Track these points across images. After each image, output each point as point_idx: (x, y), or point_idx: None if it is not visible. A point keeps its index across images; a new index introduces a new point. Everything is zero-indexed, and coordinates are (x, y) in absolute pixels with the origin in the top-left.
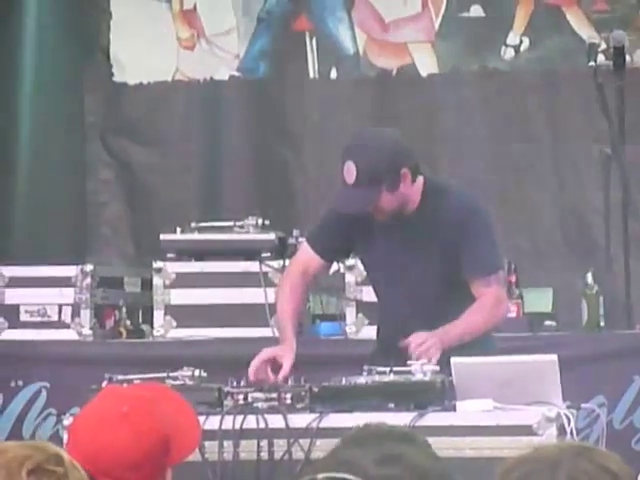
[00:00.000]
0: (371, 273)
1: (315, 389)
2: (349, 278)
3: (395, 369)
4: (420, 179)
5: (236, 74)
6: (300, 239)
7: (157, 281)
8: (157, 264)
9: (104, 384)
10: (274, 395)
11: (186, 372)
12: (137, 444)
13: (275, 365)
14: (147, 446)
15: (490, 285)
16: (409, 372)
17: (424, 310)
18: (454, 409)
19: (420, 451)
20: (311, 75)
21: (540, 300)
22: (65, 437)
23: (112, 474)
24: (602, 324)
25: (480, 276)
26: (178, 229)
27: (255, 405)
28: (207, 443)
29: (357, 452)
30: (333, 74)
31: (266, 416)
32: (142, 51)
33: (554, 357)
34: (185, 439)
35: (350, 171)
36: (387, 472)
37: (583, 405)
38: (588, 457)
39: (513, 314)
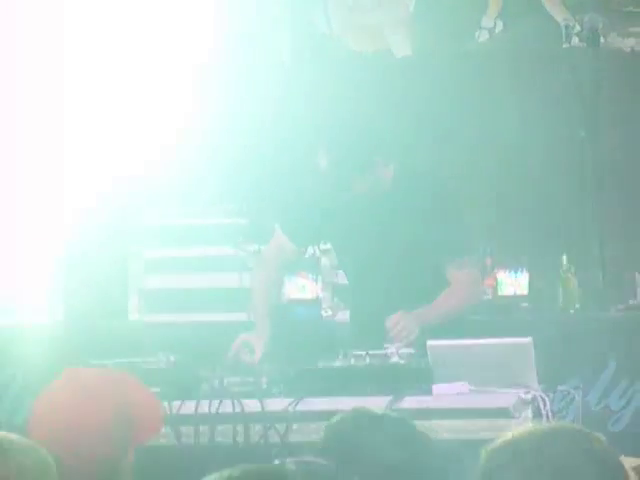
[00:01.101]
0: (342, 258)
1: (291, 373)
2: (324, 262)
3: (371, 353)
4: (390, 167)
5: (210, 58)
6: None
7: (132, 265)
8: (132, 248)
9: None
10: (250, 379)
11: (161, 357)
12: (101, 426)
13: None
14: (111, 427)
15: (463, 267)
16: (385, 356)
17: (398, 295)
18: (430, 392)
19: None
20: (286, 58)
21: (516, 283)
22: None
23: (77, 455)
24: (577, 306)
25: (453, 259)
26: (155, 214)
27: (231, 389)
28: (183, 428)
29: None
30: (308, 57)
31: (242, 400)
32: None
33: (529, 339)
34: (148, 420)
35: (322, 158)
36: None
37: (559, 387)
38: (574, 440)
39: (489, 296)
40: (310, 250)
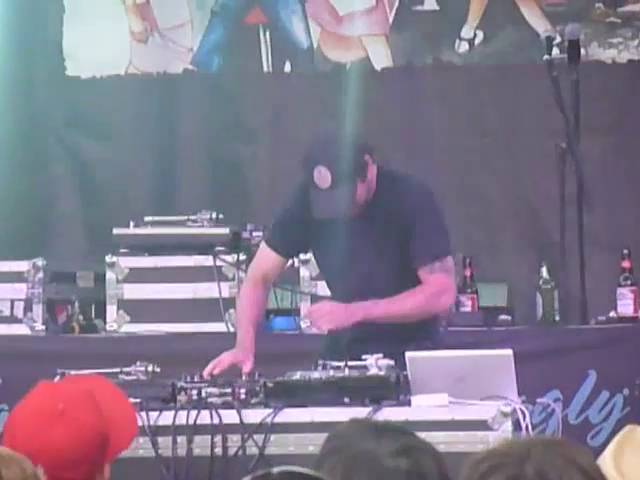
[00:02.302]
0: (323, 265)
1: (269, 384)
2: (304, 272)
3: (350, 364)
4: (374, 168)
5: (190, 67)
6: (255, 233)
7: (110, 276)
8: (110, 259)
9: (56, 379)
10: (228, 390)
11: (139, 367)
12: (74, 442)
13: (235, 370)
14: (85, 444)
15: (434, 272)
16: (364, 367)
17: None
18: (409, 404)
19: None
20: (265, 69)
21: (495, 294)
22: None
23: (50, 473)
24: (557, 318)
25: (424, 263)
26: (131, 223)
27: (209, 400)
28: (160, 439)
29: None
30: (287, 68)
31: (220, 411)
32: (95, 44)
33: (509, 351)
34: (123, 432)
35: (323, 176)
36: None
37: (538, 400)
38: (558, 451)
39: (468, 308)
40: (289, 261)
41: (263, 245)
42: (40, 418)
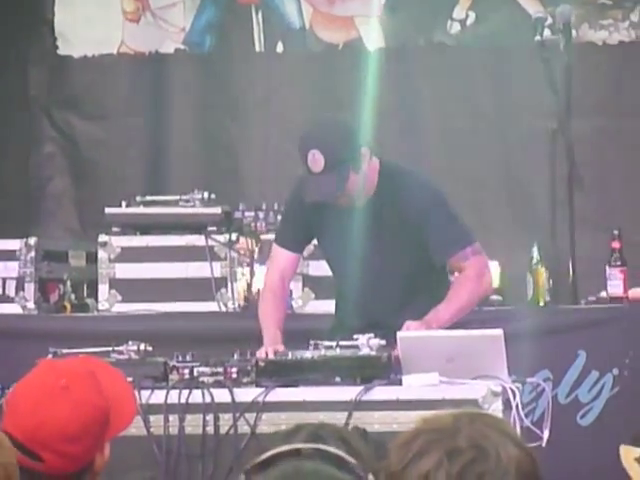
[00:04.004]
0: (331, 258)
1: (261, 363)
2: None
3: (342, 343)
4: (375, 161)
5: (182, 47)
6: (247, 213)
7: (102, 255)
8: (102, 238)
9: (42, 359)
10: (220, 369)
11: (131, 346)
12: (77, 418)
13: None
14: (87, 419)
15: (468, 258)
16: (355, 346)
17: (388, 295)
18: (400, 383)
19: None
20: (257, 49)
21: None
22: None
23: (51, 448)
24: (547, 299)
25: (455, 252)
26: (123, 203)
27: (201, 379)
28: (152, 417)
29: None
30: (279, 48)
31: (212, 390)
32: (87, 24)
33: (500, 331)
34: (122, 412)
35: (316, 159)
36: None
37: (528, 379)
38: (484, 421)
39: None
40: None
41: (274, 246)
42: (43, 393)
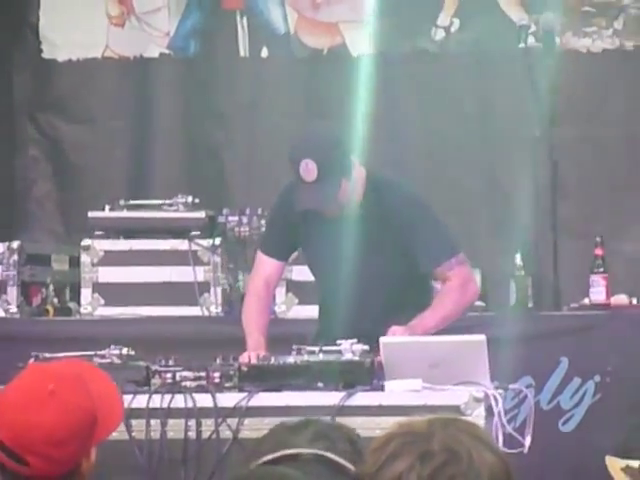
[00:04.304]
0: (315, 267)
1: (244, 368)
2: None
3: (325, 349)
4: (362, 170)
5: (166, 52)
6: (230, 218)
7: (85, 259)
8: (85, 242)
9: (30, 362)
10: (202, 374)
11: (114, 350)
12: (64, 422)
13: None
14: (74, 423)
15: (453, 268)
16: (338, 352)
17: (374, 305)
18: (383, 389)
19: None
20: (242, 54)
21: None
22: None
23: (37, 451)
24: (530, 305)
25: (441, 263)
26: (107, 207)
27: (183, 384)
28: (134, 421)
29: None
30: (264, 53)
31: (194, 395)
32: (72, 28)
33: (482, 337)
34: (110, 415)
35: (309, 168)
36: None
37: (511, 386)
38: (457, 427)
39: None
40: None
41: (259, 254)
42: (30, 397)
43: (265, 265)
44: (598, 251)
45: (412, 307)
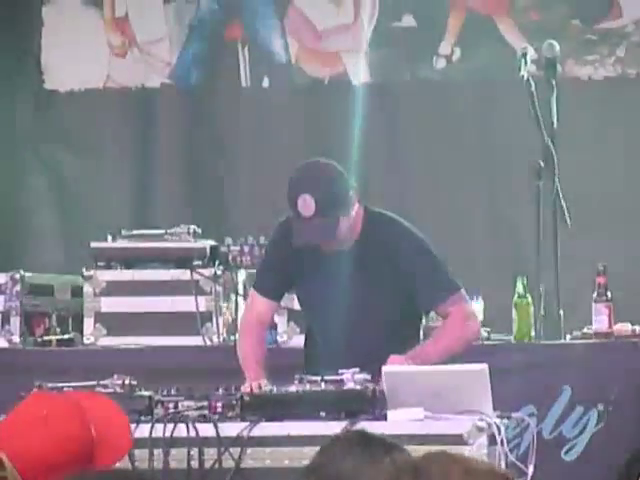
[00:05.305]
0: (309, 305)
1: (246, 397)
2: None
3: (327, 378)
4: (360, 206)
5: (168, 82)
6: (232, 247)
7: (87, 289)
8: (87, 272)
9: (34, 391)
10: (205, 403)
11: (116, 380)
12: (55, 447)
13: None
14: (62, 452)
15: (455, 304)
16: (340, 381)
17: (371, 343)
18: (385, 418)
19: None
20: (243, 84)
21: None
22: None
23: (25, 475)
24: (532, 334)
25: (442, 301)
26: (109, 237)
27: (185, 413)
28: (137, 451)
29: None
30: (265, 83)
31: (197, 424)
32: (74, 59)
33: (485, 366)
34: (113, 444)
35: (307, 204)
36: None
37: (513, 414)
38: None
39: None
40: None
41: (252, 292)
42: (23, 422)
43: (258, 304)
44: (600, 279)
45: (406, 341)
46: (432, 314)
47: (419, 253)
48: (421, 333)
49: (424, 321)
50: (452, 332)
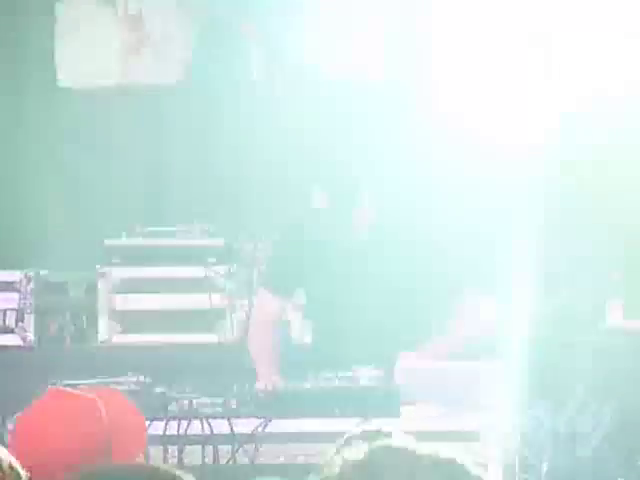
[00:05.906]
0: (314, 297)
1: (260, 394)
2: None
3: (340, 375)
4: (373, 199)
5: (181, 79)
6: (246, 245)
7: (102, 286)
8: (102, 269)
9: (50, 388)
10: (219, 400)
11: (131, 377)
12: (74, 445)
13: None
14: (85, 447)
15: (464, 300)
16: (355, 378)
17: (386, 330)
18: (399, 415)
19: None
20: (257, 81)
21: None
22: (8, 438)
23: (43, 472)
24: (545, 330)
25: (456, 295)
26: (123, 234)
27: (200, 410)
28: (152, 448)
29: None
30: (279, 81)
31: (211, 421)
32: (87, 56)
33: (499, 362)
34: (130, 442)
35: (323, 197)
36: None
37: (528, 411)
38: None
39: None
40: None
41: (262, 290)
42: (40, 419)
43: (271, 301)
44: (615, 276)
45: (417, 333)
46: (445, 308)
47: (431, 244)
48: (433, 324)
49: (437, 312)
50: (462, 328)
